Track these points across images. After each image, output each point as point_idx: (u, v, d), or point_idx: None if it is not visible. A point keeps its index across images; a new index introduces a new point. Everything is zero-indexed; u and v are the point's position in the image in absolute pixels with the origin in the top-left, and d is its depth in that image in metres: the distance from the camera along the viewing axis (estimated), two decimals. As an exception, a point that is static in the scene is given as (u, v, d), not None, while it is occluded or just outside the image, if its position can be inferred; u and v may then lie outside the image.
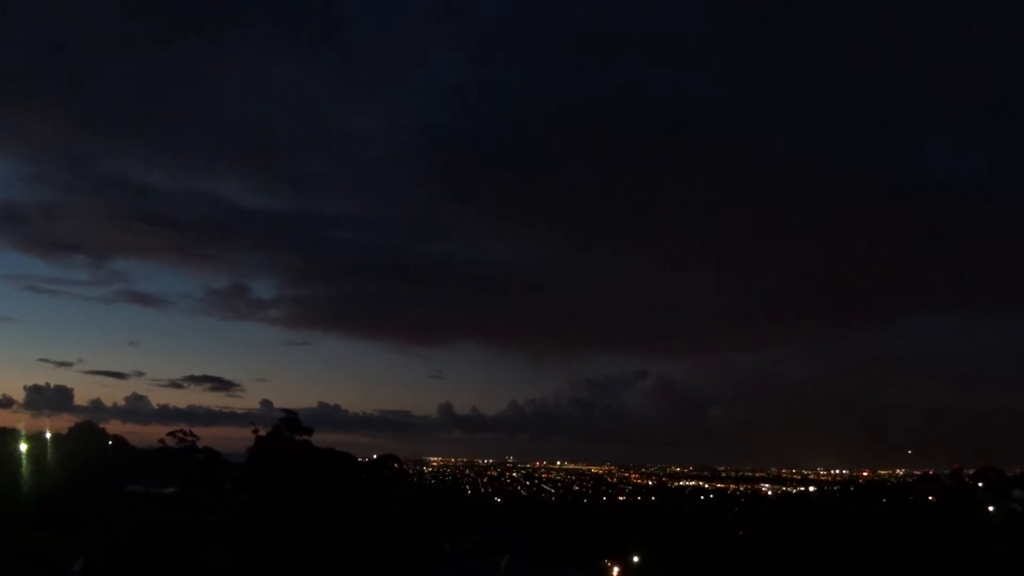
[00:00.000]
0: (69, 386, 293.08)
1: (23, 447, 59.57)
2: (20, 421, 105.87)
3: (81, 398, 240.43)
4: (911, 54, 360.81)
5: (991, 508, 74.28)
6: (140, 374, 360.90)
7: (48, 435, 69.98)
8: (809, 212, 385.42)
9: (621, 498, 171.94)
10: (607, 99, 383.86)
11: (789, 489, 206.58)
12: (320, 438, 61.91)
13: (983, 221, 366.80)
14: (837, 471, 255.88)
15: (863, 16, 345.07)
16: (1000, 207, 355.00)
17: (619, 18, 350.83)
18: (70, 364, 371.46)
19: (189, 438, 77.33)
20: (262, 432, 58.48)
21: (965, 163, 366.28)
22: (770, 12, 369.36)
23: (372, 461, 78.04)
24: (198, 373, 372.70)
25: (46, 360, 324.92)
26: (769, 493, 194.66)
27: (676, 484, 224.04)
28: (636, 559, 67.12)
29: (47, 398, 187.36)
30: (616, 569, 67.40)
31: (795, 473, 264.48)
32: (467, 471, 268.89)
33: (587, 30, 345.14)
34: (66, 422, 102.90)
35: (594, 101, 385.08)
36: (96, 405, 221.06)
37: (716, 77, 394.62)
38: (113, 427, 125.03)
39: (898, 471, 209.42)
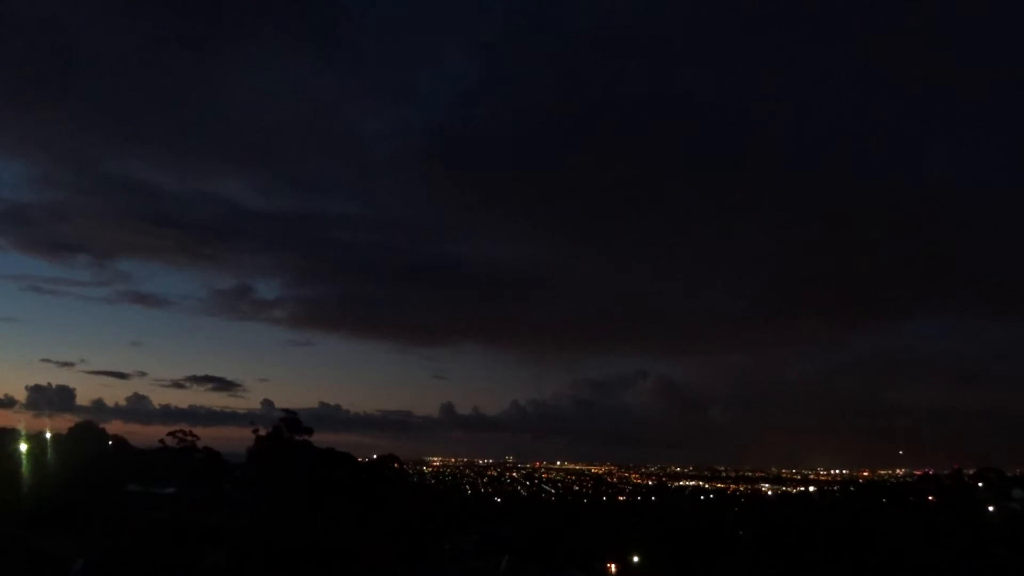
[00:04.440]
0: (71, 386, 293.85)
1: (23, 447, 59.57)
2: (21, 421, 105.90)
3: (83, 398, 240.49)
4: (911, 54, 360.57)
5: (991, 508, 74.21)
6: (142, 374, 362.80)
7: (48, 435, 69.97)
8: (810, 212, 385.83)
9: (621, 498, 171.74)
10: (610, 100, 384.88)
11: (789, 489, 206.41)
12: (321, 438, 62.03)
13: (983, 221, 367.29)
14: (837, 471, 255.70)
15: (863, 17, 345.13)
16: (1000, 207, 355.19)
17: (623, 20, 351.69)
18: (72, 364, 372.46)
19: (189, 438, 77.18)
20: (262, 432, 58.56)
21: (965, 163, 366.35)
22: (771, 14, 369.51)
23: (372, 461, 78.10)
24: (200, 373, 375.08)
25: (48, 360, 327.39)
26: (769, 493, 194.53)
27: (676, 484, 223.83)
28: (636, 559, 67.10)
29: (49, 398, 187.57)
30: (616, 569, 67.38)
31: (795, 473, 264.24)
32: (467, 471, 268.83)
33: (591, 32, 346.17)
34: (68, 422, 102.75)
35: (597, 102, 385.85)
36: (98, 405, 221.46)
37: (718, 78, 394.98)
38: (115, 427, 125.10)
39: (898, 471, 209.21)
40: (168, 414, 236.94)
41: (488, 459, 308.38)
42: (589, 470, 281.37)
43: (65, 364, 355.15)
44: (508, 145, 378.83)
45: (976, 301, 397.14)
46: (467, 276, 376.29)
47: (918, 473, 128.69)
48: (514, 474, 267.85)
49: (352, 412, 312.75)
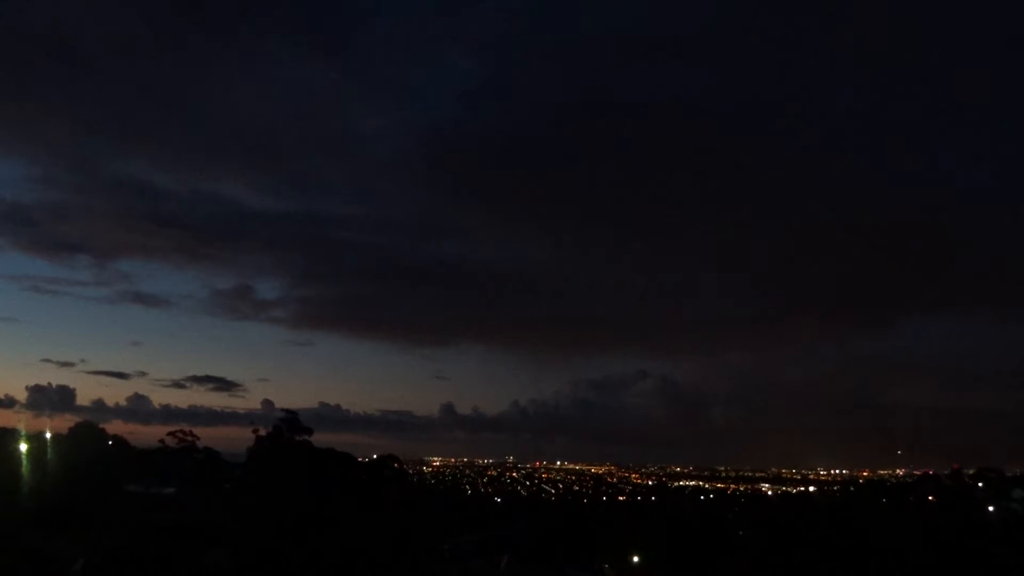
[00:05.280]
0: (71, 386, 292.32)
1: (23, 447, 59.63)
2: (22, 421, 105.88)
3: (83, 398, 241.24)
4: (912, 54, 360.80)
5: (991, 508, 74.09)
6: (143, 374, 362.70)
7: (48, 435, 70.05)
8: (810, 212, 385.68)
9: (621, 498, 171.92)
10: (611, 100, 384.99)
11: (789, 489, 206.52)
12: (321, 438, 61.91)
13: (984, 221, 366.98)
14: (837, 471, 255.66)
15: (864, 17, 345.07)
16: (1001, 207, 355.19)
17: (624, 21, 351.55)
18: (73, 364, 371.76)
19: (189, 438, 77.28)
20: (262, 432, 58.49)
21: (965, 163, 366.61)
22: (772, 15, 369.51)
23: (372, 461, 77.92)
24: (200, 373, 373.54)
25: (49, 360, 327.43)
26: (769, 493, 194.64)
27: (676, 484, 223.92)
28: (636, 559, 67.12)
29: (49, 398, 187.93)
30: (616, 569, 67.39)
31: (795, 473, 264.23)
32: (467, 471, 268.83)
33: (593, 32, 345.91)
34: (68, 422, 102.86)
35: (598, 102, 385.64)
36: (98, 405, 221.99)
37: (718, 78, 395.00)
38: (115, 427, 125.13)
39: (898, 471, 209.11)
40: (168, 414, 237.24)
41: (488, 459, 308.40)
42: (589, 470, 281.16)
43: (65, 364, 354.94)
44: (508, 145, 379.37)
45: (976, 301, 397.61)
46: (467, 276, 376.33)
47: (918, 473, 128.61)
48: (514, 474, 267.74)
49: (352, 412, 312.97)
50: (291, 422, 58.25)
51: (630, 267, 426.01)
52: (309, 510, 46.52)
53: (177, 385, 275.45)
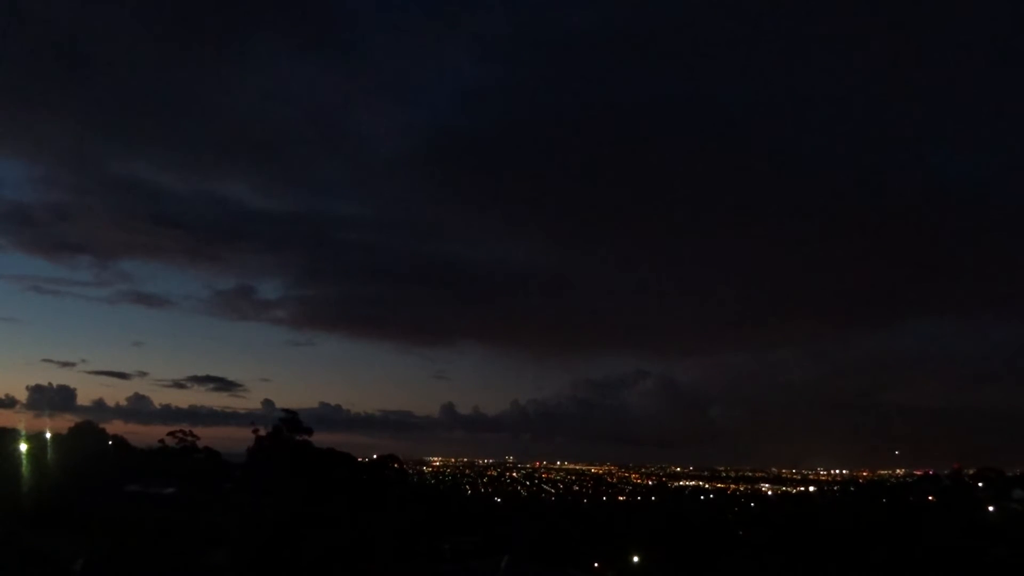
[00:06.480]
0: (72, 386, 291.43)
1: (23, 447, 59.55)
2: (22, 421, 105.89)
3: (84, 398, 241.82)
4: (912, 54, 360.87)
5: (991, 508, 74.18)
6: (143, 374, 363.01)
7: (48, 435, 69.97)
8: (810, 212, 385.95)
9: (621, 498, 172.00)
10: (612, 101, 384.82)
11: (789, 489, 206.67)
12: (321, 438, 61.97)
13: (983, 221, 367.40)
14: (837, 471, 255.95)
15: (864, 16, 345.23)
16: (1000, 207, 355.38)
17: (625, 21, 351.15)
18: (73, 364, 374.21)
19: (189, 438, 77.46)
20: (262, 432, 58.49)
21: (965, 163, 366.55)
22: (772, 14, 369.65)
23: (372, 461, 78.07)
24: (201, 373, 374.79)
25: (49, 360, 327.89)
26: (769, 493, 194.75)
27: (676, 484, 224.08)
28: (636, 559, 67.13)
29: (50, 398, 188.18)
30: (616, 569, 67.39)
31: (795, 473, 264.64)
32: (467, 471, 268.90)
33: (595, 33, 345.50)
34: (68, 422, 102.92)
35: (598, 103, 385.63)
36: (99, 405, 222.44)
37: (719, 79, 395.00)
38: (115, 427, 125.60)
39: (898, 471, 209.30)
40: (169, 414, 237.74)
41: (488, 459, 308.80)
42: (589, 470, 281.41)
43: (66, 364, 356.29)
44: (509, 145, 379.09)
45: (976, 301, 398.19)
46: (467, 276, 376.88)
47: (918, 473, 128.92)
48: (514, 474, 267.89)
49: (352, 412, 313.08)
50: (291, 422, 58.27)
51: (630, 267, 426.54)
52: (309, 510, 46.51)
53: (178, 385, 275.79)
